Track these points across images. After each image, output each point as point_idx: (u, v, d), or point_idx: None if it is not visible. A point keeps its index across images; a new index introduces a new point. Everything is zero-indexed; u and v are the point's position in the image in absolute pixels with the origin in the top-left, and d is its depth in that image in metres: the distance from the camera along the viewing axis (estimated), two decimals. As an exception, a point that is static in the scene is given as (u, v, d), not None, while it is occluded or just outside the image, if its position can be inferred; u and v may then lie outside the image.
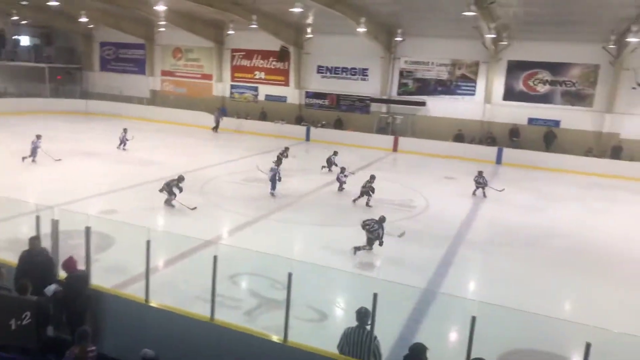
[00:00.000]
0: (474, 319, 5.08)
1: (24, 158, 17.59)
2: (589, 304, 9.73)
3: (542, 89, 25.11)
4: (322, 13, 22.48)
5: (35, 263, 6.65)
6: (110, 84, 34.14)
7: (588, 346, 4.75)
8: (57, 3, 20.74)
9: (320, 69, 29.60)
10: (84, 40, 35.51)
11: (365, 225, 11.08)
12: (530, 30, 23.15)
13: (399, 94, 27.83)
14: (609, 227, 15.00)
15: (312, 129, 28.00)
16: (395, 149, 26.20)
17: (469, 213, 15.38)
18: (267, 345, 5.94)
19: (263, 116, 30.00)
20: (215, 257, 6.05)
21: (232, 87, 32.16)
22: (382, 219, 11.13)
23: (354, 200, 15.23)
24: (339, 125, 28.48)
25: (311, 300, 8.47)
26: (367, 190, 15.02)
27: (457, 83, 26.62)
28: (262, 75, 31.16)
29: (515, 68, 25.41)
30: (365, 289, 5.81)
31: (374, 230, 10.94)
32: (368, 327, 5.53)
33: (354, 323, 5.69)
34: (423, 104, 27.10)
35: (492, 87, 25.71)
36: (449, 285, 10.01)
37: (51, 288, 6.24)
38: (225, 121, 28.80)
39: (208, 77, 32.53)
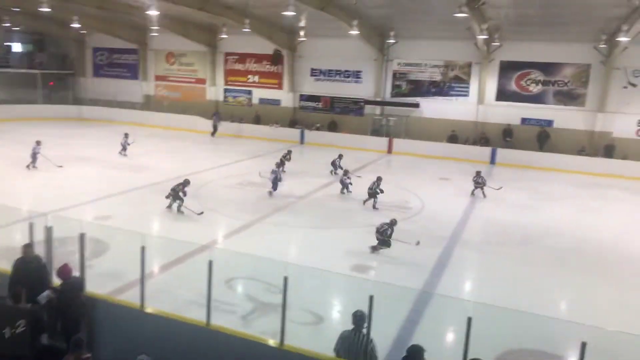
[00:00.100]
0: (470, 319, 5.09)
1: (28, 166, 17.66)
2: (584, 303, 9.77)
3: (534, 89, 25.23)
4: (314, 16, 22.51)
5: (29, 270, 6.62)
6: (104, 90, 34.03)
7: (583, 345, 4.77)
8: (49, 9, 20.65)
9: (313, 72, 29.63)
10: (76, 46, 35.39)
11: (377, 229, 11.43)
12: (521, 30, 23.28)
13: (392, 95, 27.89)
14: (603, 225, 15.08)
15: (307, 132, 28.01)
16: (389, 150, 26.25)
17: (464, 213, 15.42)
18: (264, 349, 5.92)
19: (257, 120, 29.98)
20: (210, 262, 6.03)
21: (226, 91, 32.13)
22: (394, 222, 11.48)
23: (365, 202, 15.38)
24: (333, 127, 28.51)
25: (307, 304, 8.46)
26: (374, 191, 15.19)
27: (450, 84, 26.71)
28: (256, 78, 31.15)
29: (507, 68, 25.53)
30: (361, 291, 5.82)
31: (384, 231, 11.24)
32: (364, 331, 5.53)
33: (350, 326, 5.68)
34: (417, 105, 27.17)
35: (485, 88, 25.81)
36: (445, 286, 10.03)
37: (44, 295, 6.20)
38: (223, 125, 28.73)
39: (202, 81, 32.49)
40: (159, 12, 21.71)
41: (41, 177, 17.15)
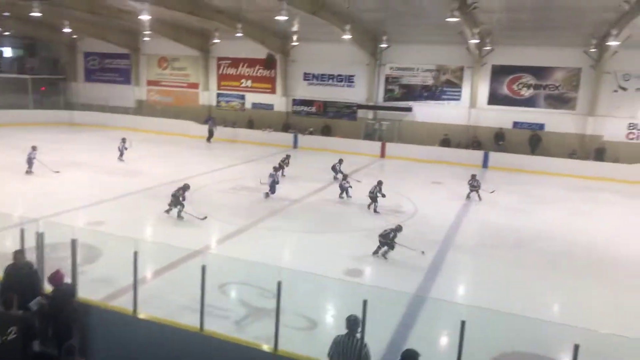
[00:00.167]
0: (463, 323, 5.11)
1: (27, 172, 17.61)
2: (576, 306, 9.82)
3: (526, 92, 25.42)
4: (307, 21, 22.57)
5: (21, 277, 6.56)
6: (96, 95, 33.86)
7: (576, 347, 4.80)
8: (39, 14, 20.56)
9: (306, 76, 29.68)
10: (67, 51, 35.25)
11: (381, 234, 11.52)
12: (513, 35, 23.46)
13: (385, 100, 27.99)
14: (595, 228, 15.18)
15: (300, 136, 28.03)
16: (382, 154, 26.31)
17: (457, 217, 15.47)
18: (258, 354, 5.91)
19: (250, 124, 29.95)
20: (203, 267, 6.02)
21: (219, 95, 32.10)
22: (399, 228, 11.55)
23: (369, 206, 15.44)
24: (326, 132, 28.55)
25: (301, 309, 8.45)
26: (375, 195, 15.31)
27: (442, 88, 26.84)
28: (249, 83, 31.15)
29: (499, 72, 25.70)
30: (355, 295, 5.82)
31: (386, 234, 11.33)
32: (358, 335, 5.52)
33: (344, 331, 5.68)
34: (409, 109, 27.27)
35: (477, 92, 25.95)
36: (438, 290, 10.05)
37: (35, 302, 6.15)
38: (219, 130, 28.66)
39: (194, 86, 32.45)
40: (150, 17, 21.69)
41: (33, 182, 17.03)
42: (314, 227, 13.90)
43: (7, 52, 34.48)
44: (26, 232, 7.02)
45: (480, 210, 16.60)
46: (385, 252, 11.40)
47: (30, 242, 7.00)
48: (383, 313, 7.88)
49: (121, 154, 21.15)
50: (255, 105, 31.03)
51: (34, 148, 17.90)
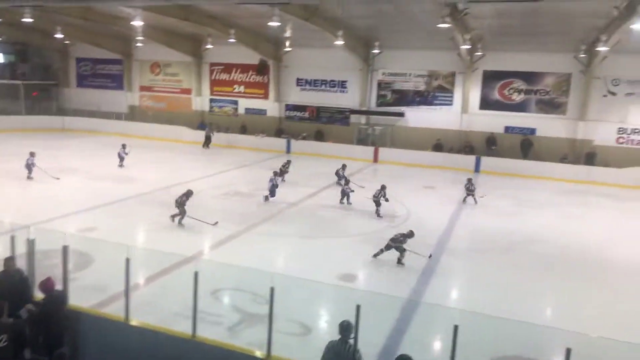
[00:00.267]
0: (456, 327, 5.12)
1: (28, 177, 17.62)
2: (569, 309, 9.87)
3: (517, 97, 25.61)
4: (299, 26, 22.64)
5: (11, 284, 6.51)
6: (88, 100, 33.74)
7: (568, 351, 4.83)
8: (31, 20, 20.49)
9: (299, 82, 29.74)
10: (59, 57, 35.12)
11: (392, 238, 11.55)
12: (504, 41, 23.67)
13: (377, 105, 28.10)
14: (587, 232, 15.29)
15: (293, 142, 28.06)
16: (375, 159, 26.37)
17: (450, 221, 15.52)
18: (251, 360, 5.89)
19: (243, 130, 29.94)
20: (196, 273, 6.01)
21: (212, 101, 32.08)
22: (410, 234, 11.59)
23: (376, 212, 15.47)
24: (319, 137, 28.59)
25: (295, 314, 8.43)
26: (379, 200, 15.41)
27: (434, 94, 26.99)
28: (242, 88, 31.17)
29: (490, 78, 25.89)
30: (348, 300, 5.83)
31: (396, 239, 11.36)
32: (351, 341, 5.52)
33: (337, 336, 5.67)
34: (402, 114, 27.39)
35: (469, 97, 26.13)
36: (431, 294, 10.07)
37: (24, 309, 6.11)
38: (215, 136, 28.64)
39: (187, 91, 32.41)
40: (143, 23, 21.70)
41: (25, 188, 16.94)
42: (308, 232, 13.90)
43: (-1, 58, 34.30)
44: (17, 239, 6.97)
45: (472, 214, 16.67)
46: (400, 258, 11.37)
47: (21, 249, 6.95)
48: (376, 318, 7.88)
49: (122, 160, 21.09)
50: (248, 111, 31.04)
51: (32, 154, 17.92)
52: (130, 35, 29.20)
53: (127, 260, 6.27)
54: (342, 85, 28.80)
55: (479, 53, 24.88)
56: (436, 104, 26.99)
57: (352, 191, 16.72)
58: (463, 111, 26.30)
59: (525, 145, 25.11)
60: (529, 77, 25.21)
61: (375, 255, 11.57)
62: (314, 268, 10.91)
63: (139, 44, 30.95)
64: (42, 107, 33.28)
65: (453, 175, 22.86)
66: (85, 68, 35.18)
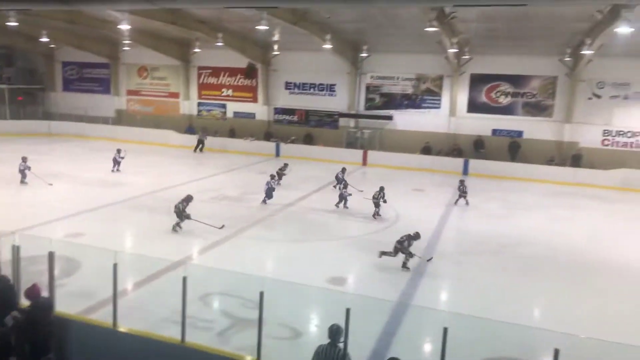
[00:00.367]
0: (446, 330, 5.13)
1: (21, 182, 17.58)
2: (557, 310, 9.94)
3: (504, 100, 25.84)
4: (288, 30, 22.65)
5: (-4, 292, 6.41)
6: (74, 104, 33.43)
7: (556, 352, 4.86)
8: (16, 23, 20.27)
9: (288, 85, 29.75)
10: (45, 61, 34.77)
11: (398, 240, 11.52)
12: (490, 44, 23.89)
13: (366, 108, 28.19)
14: (575, 233, 15.43)
15: (282, 145, 28.03)
16: (364, 162, 26.43)
17: (439, 224, 15.59)
18: (240, 366, 5.86)
19: (232, 133, 29.85)
20: (184, 278, 5.96)
21: (200, 104, 31.96)
22: (416, 235, 11.59)
23: (376, 214, 15.60)
24: (309, 140, 28.59)
25: (284, 318, 8.40)
26: (378, 201, 15.56)
27: (422, 97, 27.15)
28: (230, 92, 31.09)
29: (477, 81, 26.10)
30: (338, 304, 5.81)
31: (402, 241, 11.36)
32: (340, 345, 5.51)
33: (327, 340, 5.66)
34: (390, 118, 27.51)
35: (457, 100, 26.32)
36: (421, 297, 10.10)
37: (10, 316, 6.01)
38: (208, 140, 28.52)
39: (175, 95, 32.26)
40: (130, 27, 21.58)
41: (10, 194, 16.71)
42: (297, 236, 13.88)
43: (-17, 62, 33.89)
44: (2, 246, 6.87)
45: (461, 216, 16.77)
46: (405, 262, 11.34)
47: (7, 256, 6.85)
48: (366, 321, 7.88)
49: (117, 165, 20.94)
50: (236, 114, 30.97)
51: (24, 159, 17.82)
52: (117, 38, 29.05)
53: (115, 266, 6.21)
54: (330, 88, 28.86)
55: (466, 56, 25.10)
56: (424, 107, 27.14)
57: (350, 195, 16.71)
58: (451, 114, 26.47)
59: (513, 148, 25.32)
60: (516, 80, 25.46)
61: (382, 254, 11.45)
62: (303, 272, 10.88)
63: (126, 48, 30.79)
64: (28, 111, 32.89)
65: (442, 178, 22.99)
66: (71, 72, 34.87)
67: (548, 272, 11.97)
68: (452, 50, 23.30)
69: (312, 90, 29.27)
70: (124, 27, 20.59)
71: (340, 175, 19.02)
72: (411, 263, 11.54)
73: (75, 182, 18.75)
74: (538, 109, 25.38)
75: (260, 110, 30.34)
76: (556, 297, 10.56)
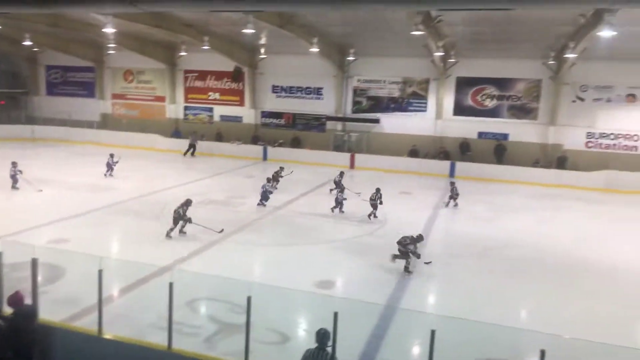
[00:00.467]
0: (433, 332, 5.15)
1: (13, 186, 17.44)
2: (544, 311, 10.02)
3: (489, 103, 26.08)
4: (274, 34, 22.66)
5: (-22, 299, 6.30)
6: (58, 109, 33.00)
7: (542, 353, 4.89)
8: (-2, 27, 20.10)
9: (275, 89, 29.73)
10: (28, 64, 34.35)
11: (400, 241, 11.48)
12: (476, 47, 24.11)
13: (353, 112, 28.26)
14: (560, 235, 15.56)
15: (269, 148, 27.98)
16: (352, 165, 26.47)
17: (426, 227, 15.63)
18: (228, 371, 5.81)
19: (219, 137, 29.72)
20: (171, 284, 5.91)
21: (186, 108, 31.79)
22: (420, 238, 11.59)
23: (369, 216, 15.82)
24: (296, 144, 28.58)
25: (272, 323, 8.36)
26: (375, 202, 15.75)
27: (408, 100, 27.29)
28: (217, 95, 30.98)
29: (463, 84, 26.31)
30: (326, 308, 5.80)
31: (407, 245, 11.31)
32: (328, 349, 5.49)
33: (315, 344, 5.64)
34: (377, 121, 27.61)
35: (443, 103, 26.49)
36: (409, 300, 10.11)
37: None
38: (184, 143, 28.31)
39: (161, 99, 32.04)
40: (115, 30, 21.41)
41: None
42: (285, 240, 13.83)
43: (-35, 65, 33.40)
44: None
45: (449, 219, 16.86)
46: (408, 264, 11.33)
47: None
48: (354, 325, 7.87)
49: (111, 170, 20.75)
50: (223, 118, 30.86)
51: (14, 164, 17.65)
52: (102, 42, 28.81)
53: (100, 272, 6.14)
54: (317, 92, 28.89)
55: (452, 60, 25.29)
56: (411, 110, 27.28)
57: (345, 199, 16.71)
58: (437, 117, 26.64)
59: (499, 151, 25.55)
60: (501, 83, 25.71)
61: (395, 257, 11.45)
62: (291, 276, 10.85)
63: (111, 51, 30.54)
64: (11, 116, 32.45)
65: (429, 181, 23.12)
66: (55, 76, 34.49)
67: (535, 274, 12.07)
68: (438, 54, 23.47)
69: (299, 93, 29.28)
70: (109, 30, 20.42)
71: (337, 179, 18.94)
72: (399, 265, 11.56)
73: (61, 187, 18.51)
74: (523, 111, 25.66)
75: (247, 114, 30.27)
76: (543, 298, 10.65)
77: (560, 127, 24.92)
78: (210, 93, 31.08)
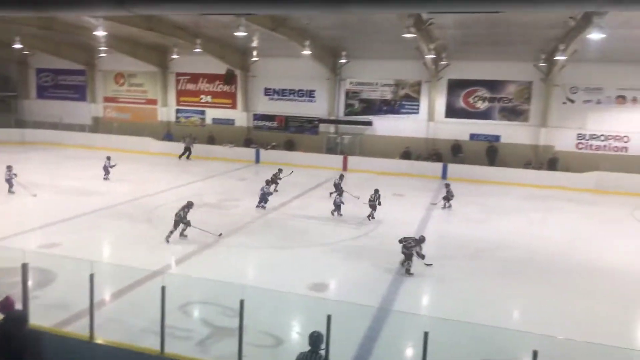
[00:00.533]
0: (426, 334, 5.16)
1: (9, 191, 17.36)
2: (536, 312, 10.06)
3: (481, 105, 26.22)
4: (266, 36, 22.66)
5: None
6: (49, 112, 32.79)
7: (535, 353, 4.92)
8: (-12, 29, 19.94)
9: (267, 91, 29.71)
10: (18, 67, 34.11)
11: (402, 241, 11.58)
12: (467, 50, 24.24)
13: (345, 114, 28.30)
14: (552, 236, 15.66)
15: (262, 151, 27.95)
16: (344, 168, 26.48)
17: (419, 228, 15.66)
18: (221, 375, 5.79)
19: (211, 140, 29.64)
20: (163, 288, 5.88)
21: (178, 111, 31.69)
22: (422, 239, 11.71)
23: (369, 217, 16.01)
24: (290, 146, 28.56)
25: (265, 326, 8.34)
26: (375, 203, 15.92)
27: (401, 102, 27.37)
28: (209, 98, 30.91)
29: (455, 86, 26.44)
30: (319, 310, 5.80)
31: (410, 247, 11.38)
32: (321, 352, 5.48)
33: (308, 347, 5.63)
34: (369, 123, 27.67)
35: (435, 106, 26.59)
36: (402, 302, 10.12)
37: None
38: (178, 146, 28.17)
39: (153, 102, 31.92)
40: (106, 33, 21.32)
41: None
42: (278, 243, 13.80)
43: (-46, 69, 33.13)
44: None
45: (441, 221, 16.91)
46: (409, 266, 11.38)
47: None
48: (348, 327, 7.87)
49: (108, 173, 20.70)
50: (215, 121, 30.79)
51: (9, 168, 17.57)
52: (93, 45, 28.68)
53: (91, 276, 6.10)
54: (310, 94, 28.91)
55: (444, 62, 25.41)
56: (403, 113, 27.36)
57: (343, 203, 16.68)
58: (429, 119, 26.74)
59: (491, 152, 25.68)
60: (492, 85, 25.86)
61: (404, 264, 11.46)
62: (284, 279, 10.83)
63: (102, 54, 30.40)
64: (0, 119, 32.16)
65: (421, 183, 23.19)
66: (46, 79, 34.26)
67: (527, 275, 12.13)
68: (429, 56, 23.56)
69: (291, 96, 29.29)
70: (100, 33, 20.33)
71: (337, 182, 18.87)
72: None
73: (52, 191, 18.37)
74: (514, 113, 25.82)
75: (239, 117, 30.22)
76: (535, 299, 10.70)
77: (551, 128, 25.10)
78: (202, 96, 31.01)
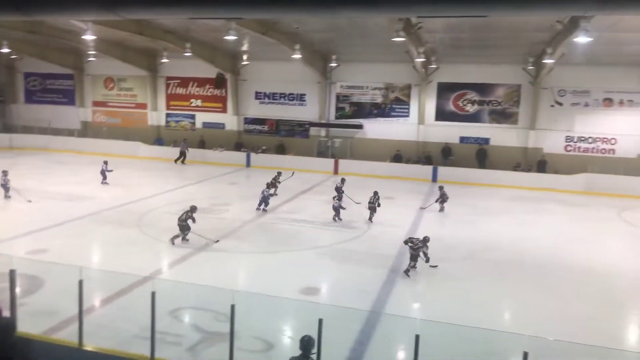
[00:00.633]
0: (417, 337, 5.17)
1: (6, 196, 17.26)
2: (526, 314, 10.12)
3: (471, 108, 26.40)
4: (257, 40, 22.68)
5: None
6: (37, 117, 32.53)
7: (525, 355, 4.94)
8: (-25, 34, 19.77)
9: (258, 95, 29.70)
10: (6, 72, 33.83)
11: (408, 242, 11.65)
12: (456, 53, 24.43)
13: (336, 117, 28.37)
14: (541, 237, 15.76)
15: (253, 155, 27.90)
16: (336, 171, 26.51)
17: (409, 231, 15.71)
18: (212, 381, 5.76)
19: (201, 144, 29.54)
20: (153, 293, 5.84)
21: (168, 115, 31.57)
22: (427, 239, 11.69)
23: (370, 218, 16.15)
24: (281, 150, 28.55)
25: (256, 331, 8.31)
26: (374, 205, 15.97)
27: (391, 106, 27.49)
28: (199, 102, 30.84)
29: (445, 90, 26.60)
30: (310, 314, 5.78)
31: (418, 248, 11.42)
32: (313, 356, 5.47)
33: (299, 351, 5.61)
34: (360, 127, 27.75)
35: (425, 109, 26.74)
36: (393, 305, 10.13)
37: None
38: (169, 150, 28.04)
39: (142, 106, 31.77)
40: (95, 37, 21.21)
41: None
42: (269, 247, 13.77)
43: (-60, 73, 32.76)
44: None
45: (431, 223, 16.95)
46: (410, 268, 11.44)
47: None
48: (339, 331, 7.86)
49: (105, 178, 20.58)
50: (206, 125, 30.71)
51: (4, 173, 17.38)
52: (82, 49, 28.53)
53: (80, 282, 6.05)
54: (301, 98, 28.94)
55: (434, 66, 25.59)
56: (393, 116, 27.48)
57: (343, 208, 16.65)
58: (419, 122, 26.87)
59: (481, 155, 25.85)
60: (482, 88, 26.06)
61: (411, 268, 11.50)
62: (275, 283, 10.80)
63: (91, 59, 30.22)
64: (-13, 124, 31.95)
65: (411, 186, 23.27)
66: (34, 83, 34.00)
67: (517, 276, 12.20)
68: (419, 60, 23.70)
69: (282, 100, 29.30)
70: (89, 37, 20.22)
71: (339, 185, 18.73)
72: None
73: (40, 196, 18.18)
74: (504, 116, 26.02)
75: (230, 121, 30.17)
76: (525, 301, 10.76)
77: (540, 131, 25.33)
78: (192, 100, 30.93)
